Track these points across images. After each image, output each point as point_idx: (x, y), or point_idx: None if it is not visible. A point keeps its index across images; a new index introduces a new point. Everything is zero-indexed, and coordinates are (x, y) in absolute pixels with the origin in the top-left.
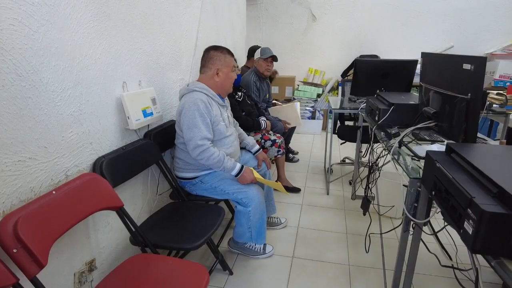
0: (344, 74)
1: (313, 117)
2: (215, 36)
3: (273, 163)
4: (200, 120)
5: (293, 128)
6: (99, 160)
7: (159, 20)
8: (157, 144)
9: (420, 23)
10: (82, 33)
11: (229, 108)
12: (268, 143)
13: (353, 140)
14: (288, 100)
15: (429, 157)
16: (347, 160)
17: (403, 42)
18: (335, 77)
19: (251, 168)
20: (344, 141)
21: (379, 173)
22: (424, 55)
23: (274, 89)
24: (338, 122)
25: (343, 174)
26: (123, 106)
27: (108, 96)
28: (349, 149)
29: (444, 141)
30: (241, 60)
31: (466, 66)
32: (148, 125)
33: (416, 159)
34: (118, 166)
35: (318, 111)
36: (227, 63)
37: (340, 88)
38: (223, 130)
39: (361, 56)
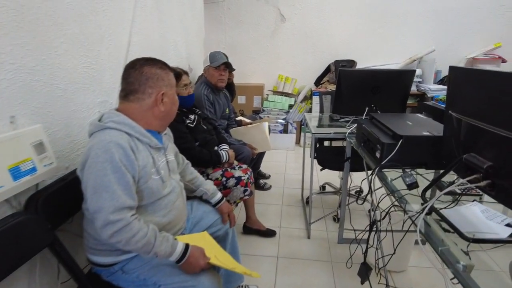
0: (318, 81)
1: (285, 130)
2: (159, 39)
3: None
4: (115, 179)
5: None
6: None
7: (52, 17)
8: (50, 214)
9: (399, 26)
10: None
11: (171, 146)
12: (232, 182)
13: (335, 168)
14: (257, 112)
15: None
16: (328, 188)
17: (381, 45)
18: (308, 85)
19: (201, 247)
20: (323, 167)
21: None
22: (454, 70)
23: (240, 99)
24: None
25: (324, 206)
26: None
27: None
28: (329, 173)
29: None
30: (200, 69)
31: None
32: (37, 184)
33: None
34: None
35: (291, 124)
36: (171, 82)
37: (314, 99)
38: (157, 187)
39: (336, 61)
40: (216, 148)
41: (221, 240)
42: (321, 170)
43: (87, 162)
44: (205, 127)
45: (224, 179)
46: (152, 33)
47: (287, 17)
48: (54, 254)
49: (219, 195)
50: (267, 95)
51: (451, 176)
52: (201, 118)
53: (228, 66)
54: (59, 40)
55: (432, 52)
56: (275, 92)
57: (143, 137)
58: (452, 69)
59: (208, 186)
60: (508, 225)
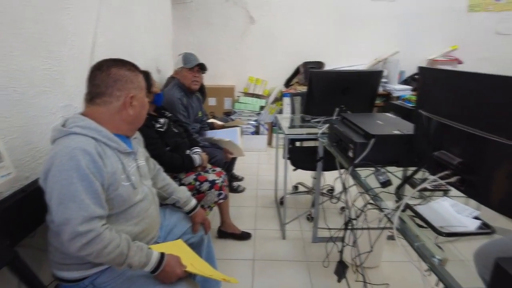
0: (288, 83)
1: (257, 132)
2: (125, 40)
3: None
4: (82, 188)
5: None
6: None
7: (4, 15)
8: (9, 229)
9: (364, 28)
10: None
11: (141, 150)
12: (206, 186)
13: (308, 168)
14: (228, 114)
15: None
16: (300, 188)
17: (347, 47)
18: (278, 86)
19: (177, 255)
20: (296, 168)
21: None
22: (424, 70)
23: (211, 101)
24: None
25: (297, 206)
26: None
27: None
28: (302, 172)
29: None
30: (169, 70)
31: None
32: None
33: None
34: None
35: (262, 125)
36: (140, 84)
37: (285, 100)
38: (128, 194)
39: (305, 63)
40: (188, 151)
41: (196, 246)
42: (294, 170)
43: (50, 171)
44: (176, 130)
45: (197, 183)
46: (118, 33)
47: (256, 19)
48: (14, 273)
49: (192, 203)
50: (238, 96)
51: (421, 173)
52: (172, 121)
53: (202, 68)
54: (14, 40)
55: (396, 53)
56: (246, 94)
57: (111, 142)
58: (421, 69)
59: (181, 194)
60: (476, 218)
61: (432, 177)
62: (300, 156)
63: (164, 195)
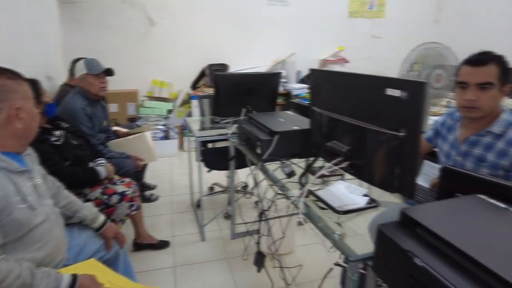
0: (194, 85)
1: (166, 136)
2: (7, 45)
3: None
4: None
5: None
6: None
7: None
8: None
9: (263, 31)
10: None
11: (37, 167)
12: (115, 198)
13: (222, 168)
14: (133, 120)
15: (395, 244)
16: (216, 188)
17: (248, 50)
18: (185, 89)
19: (91, 274)
20: (210, 169)
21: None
22: (314, 72)
23: (113, 107)
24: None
25: (215, 206)
26: None
27: None
28: (216, 173)
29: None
30: (61, 77)
31: (393, 92)
32: None
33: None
34: None
35: (172, 129)
36: (26, 94)
37: (193, 103)
38: (25, 218)
39: (210, 65)
40: (91, 164)
41: (112, 262)
42: (208, 172)
43: None
44: (76, 142)
45: (105, 197)
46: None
47: (157, 21)
48: None
49: (100, 219)
50: (143, 101)
51: (320, 162)
52: (69, 133)
53: (109, 73)
54: None
55: (293, 55)
56: (151, 98)
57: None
58: (312, 71)
59: (86, 211)
60: (365, 195)
61: (327, 164)
62: (213, 157)
63: (68, 214)
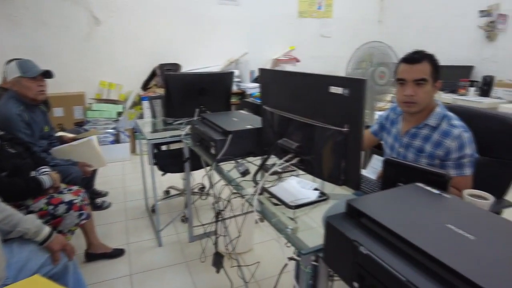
0: (145, 86)
1: (117, 140)
2: None
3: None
4: None
5: None
6: None
7: None
8: None
9: (215, 30)
10: None
11: None
12: (62, 208)
13: (176, 170)
14: (80, 124)
15: (341, 234)
16: (172, 191)
17: (201, 49)
18: (135, 90)
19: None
20: (165, 172)
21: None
22: (263, 72)
23: (57, 112)
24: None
25: (171, 210)
26: None
27: None
28: (172, 176)
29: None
30: None
31: (336, 90)
32: None
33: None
34: None
35: (122, 132)
36: None
37: (144, 104)
38: None
39: (161, 65)
40: (34, 173)
41: (60, 277)
42: (163, 175)
43: None
44: (13, 151)
45: (51, 207)
46: None
47: (102, 20)
48: None
49: (45, 231)
50: (90, 104)
51: (274, 160)
52: (5, 141)
53: (47, 75)
54: None
55: (246, 54)
56: (99, 100)
57: None
58: (261, 70)
59: (28, 224)
60: (315, 189)
61: (279, 161)
62: (167, 160)
63: (5, 228)
